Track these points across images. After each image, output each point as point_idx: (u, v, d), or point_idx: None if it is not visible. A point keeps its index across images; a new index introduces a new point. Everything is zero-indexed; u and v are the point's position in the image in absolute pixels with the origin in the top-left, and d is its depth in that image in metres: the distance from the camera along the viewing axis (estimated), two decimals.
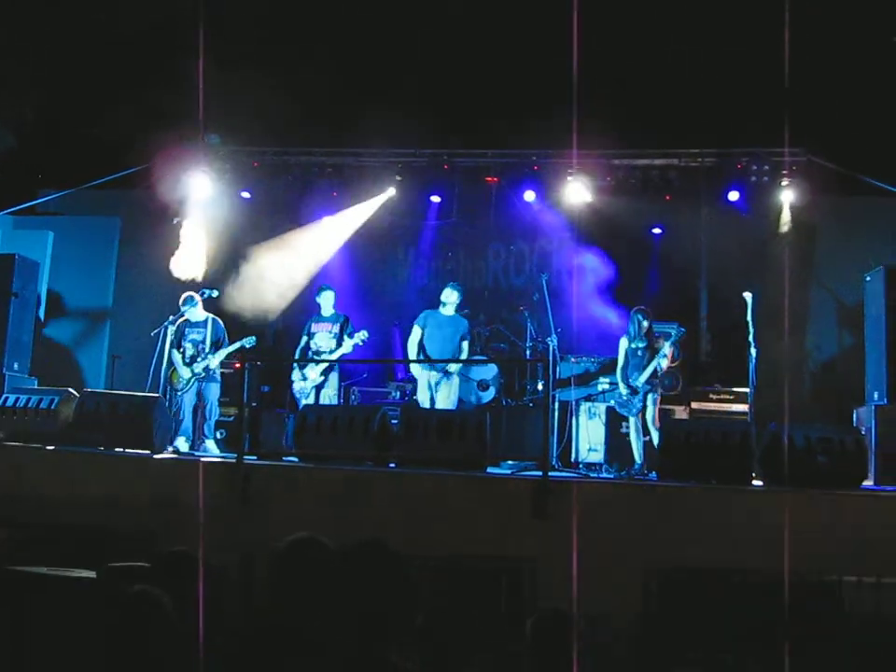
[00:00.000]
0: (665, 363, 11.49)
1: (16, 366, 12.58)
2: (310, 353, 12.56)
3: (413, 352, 12.52)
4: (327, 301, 12.71)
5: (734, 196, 14.32)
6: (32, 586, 5.16)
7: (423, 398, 12.34)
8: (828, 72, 14.20)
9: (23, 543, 8.19)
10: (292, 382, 12.53)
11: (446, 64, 15.36)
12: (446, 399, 12.28)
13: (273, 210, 15.73)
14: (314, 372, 12.31)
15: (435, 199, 15.23)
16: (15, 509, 8.81)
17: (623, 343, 11.69)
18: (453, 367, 12.33)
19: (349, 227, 15.51)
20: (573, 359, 13.59)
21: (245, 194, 15.47)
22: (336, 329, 12.51)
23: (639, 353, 11.53)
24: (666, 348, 11.41)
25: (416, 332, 12.51)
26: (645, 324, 11.56)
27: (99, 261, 15.62)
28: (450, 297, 12.42)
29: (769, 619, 7.36)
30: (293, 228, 15.78)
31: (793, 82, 12.25)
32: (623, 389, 11.51)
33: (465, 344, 12.54)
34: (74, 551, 7.61)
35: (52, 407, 10.56)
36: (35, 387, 12.47)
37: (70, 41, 16.14)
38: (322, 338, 12.51)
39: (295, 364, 12.66)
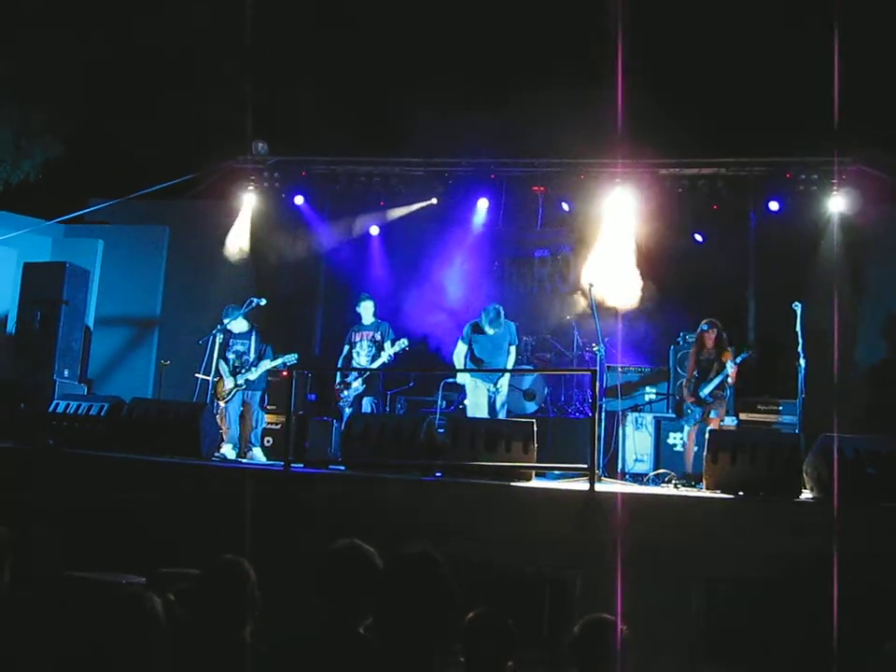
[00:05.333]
0: (731, 379, 11.42)
1: (66, 373, 12.71)
2: (352, 361, 12.58)
3: (459, 363, 12.36)
4: (367, 310, 12.74)
5: (774, 206, 14.27)
6: (83, 591, 5.20)
7: (479, 406, 12.08)
8: (878, 80, 14.09)
9: (74, 548, 8.26)
10: (338, 390, 12.57)
11: (490, 74, 15.39)
12: (502, 409, 12.20)
13: (322, 218, 15.80)
14: (355, 381, 12.36)
15: (483, 203, 15.19)
16: (66, 513, 8.89)
17: (693, 355, 11.64)
18: (503, 383, 12.28)
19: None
20: (620, 369, 13.51)
21: (299, 198, 15.55)
22: (378, 336, 12.54)
23: (706, 364, 11.47)
24: (730, 367, 11.32)
25: (461, 346, 12.32)
26: (713, 335, 11.51)
27: (147, 270, 15.78)
28: (487, 329, 12.14)
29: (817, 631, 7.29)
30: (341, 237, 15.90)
31: (843, 90, 12.16)
32: (687, 398, 11.44)
33: (512, 349, 12.35)
34: (124, 556, 7.67)
35: (102, 414, 10.66)
36: (85, 394, 12.61)
37: (119, 51, 16.32)
38: (363, 346, 12.55)
39: (338, 373, 12.71)
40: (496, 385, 12.12)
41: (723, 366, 11.34)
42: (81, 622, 3.54)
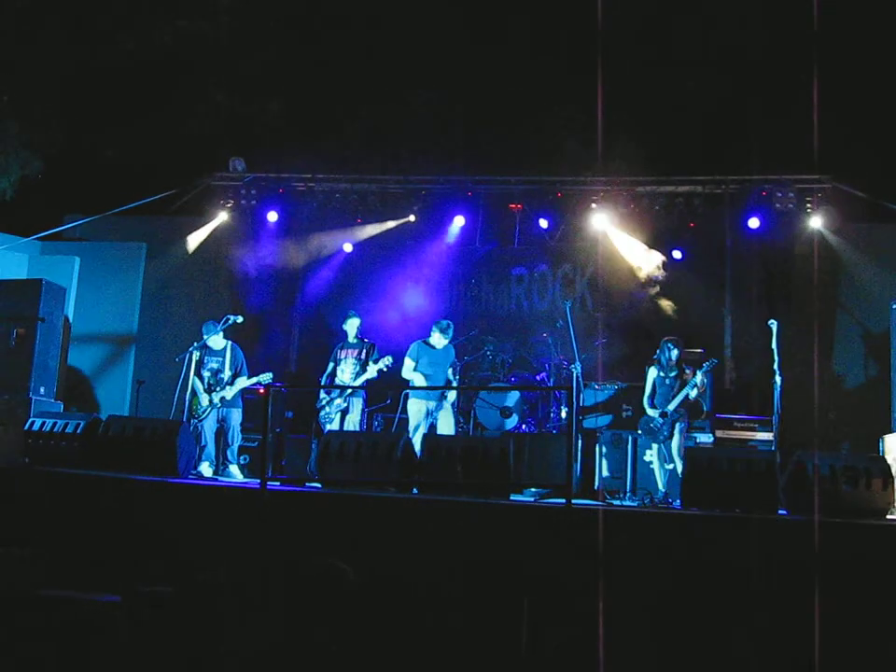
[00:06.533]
0: (694, 393, 11.41)
1: (42, 390, 12.62)
2: (336, 379, 12.58)
3: (409, 379, 12.47)
4: (352, 327, 12.73)
5: (754, 223, 14.31)
6: (57, 610, 5.18)
7: (418, 425, 12.19)
8: (853, 99, 14.20)
9: (50, 567, 8.21)
10: (319, 408, 12.53)
11: (471, 91, 15.44)
12: (448, 426, 12.26)
13: (299, 236, 15.80)
14: (339, 398, 12.34)
15: (460, 221, 15.23)
16: (41, 532, 8.84)
17: (652, 372, 11.63)
18: (452, 395, 12.40)
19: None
20: (596, 386, 13.53)
21: (272, 215, 15.52)
22: (362, 355, 12.52)
23: (668, 381, 11.47)
24: (698, 378, 11.32)
25: (409, 364, 12.46)
26: (675, 353, 11.51)
27: (124, 287, 15.73)
28: (439, 341, 12.43)
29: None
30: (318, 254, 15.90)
31: (819, 110, 12.24)
32: (653, 414, 11.45)
33: (450, 371, 12.59)
34: (99, 575, 7.64)
35: (78, 431, 10.60)
36: (61, 412, 12.53)
37: (97, 67, 16.29)
38: (348, 364, 12.54)
39: (322, 390, 12.68)
40: (440, 399, 12.27)
41: (685, 382, 11.36)
42: (47, 640, 3.54)
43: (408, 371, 12.42)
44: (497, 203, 15.43)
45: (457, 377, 12.93)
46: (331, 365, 12.75)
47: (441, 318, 12.73)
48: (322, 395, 12.62)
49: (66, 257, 15.54)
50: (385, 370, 12.31)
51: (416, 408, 12.29)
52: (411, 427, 12.23)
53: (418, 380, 12.30)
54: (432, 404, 12.24)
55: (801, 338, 13.32)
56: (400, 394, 13.27)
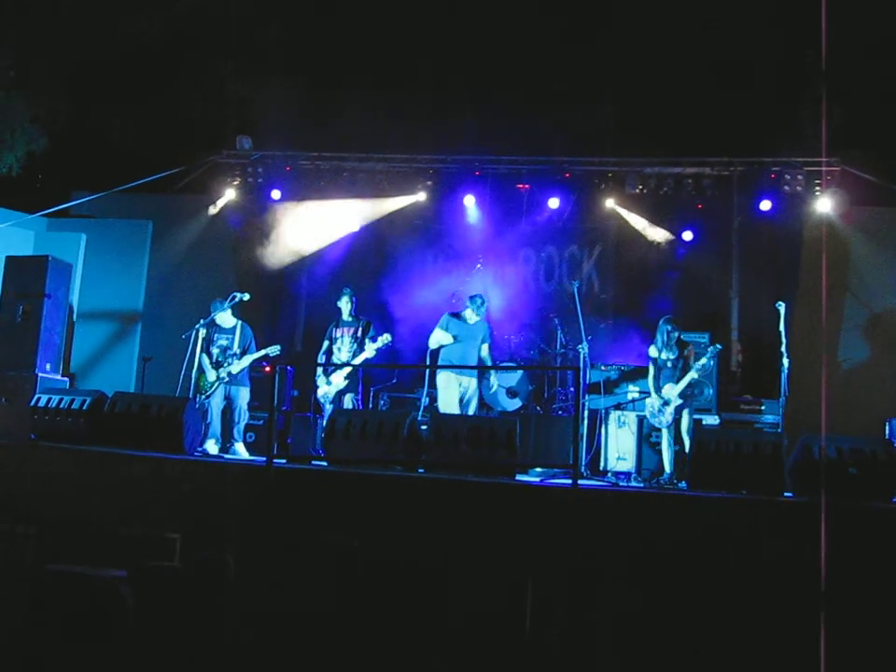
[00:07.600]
0: (697, 375, 11.36)
1: (48, 367, 12.62)
2: (333, 357, 12.50)
3: (433, 346, 12.29)
4: (347, 305, 12.64)
5: (765, 205, 14.26)
6: (63, 585, 5.17)
7: (451, 402, 12.03)
8: (863, 82, 14.15)
9: (55, 543, 8.23)
10: (317, 386, 12.49)
11: (477, 72, 15.40)
12: (474, 407, 12.17)
13: (305, 214, 15.75)
14: (338, 377, 12.26)
15: (469, 200, 15.19)
16: (47, 508, 8.85)
17: (653, 353, 11.60)
18: (494, 380, 12.35)
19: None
20: (603, 367, 13.49)
21: (276, 193, 15.50)
22: (359, 333, 12.41)
23: (670, 364, 11.43)
24: (700, 363, 11.27)
25: (437, 334, 12.24)
26: (674, 334, 11.47)
27: (131, 264, 15.73)
28: (471, 317, 12.23)
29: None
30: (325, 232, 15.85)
31: (828, 92, 12.20)
32: (655, 401, 11.42)
33: (485, 347, 12.32)
34: (105, 550, 7.65)
35: (84, 408, 10.61)
36: (67, 388, 12.54)
37: (105, 45, 16.27)
38: (344, 342, 12.45)
39: (320, 369, 12.61)
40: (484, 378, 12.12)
41: (688, 365, 11.32)
42: (54, 613, 3.54)
43: (434, 339, 12.25)
44: (504, 183, 15.38)
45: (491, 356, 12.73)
46: (326, 343, 12.62)
47: (475, 295, 12.43)
48: (319, 373, 12.56)
49: (73, 233, 15.55)
50: (384, 347, 12.21)
51: (445, 379, 12.12)
52: (439, 400, 12.14)
53: (445, 338, 12.18)
54: (465, 380, 12.09)
55: (808, 320, 13.29)
56: (400, 372, 13.26)
